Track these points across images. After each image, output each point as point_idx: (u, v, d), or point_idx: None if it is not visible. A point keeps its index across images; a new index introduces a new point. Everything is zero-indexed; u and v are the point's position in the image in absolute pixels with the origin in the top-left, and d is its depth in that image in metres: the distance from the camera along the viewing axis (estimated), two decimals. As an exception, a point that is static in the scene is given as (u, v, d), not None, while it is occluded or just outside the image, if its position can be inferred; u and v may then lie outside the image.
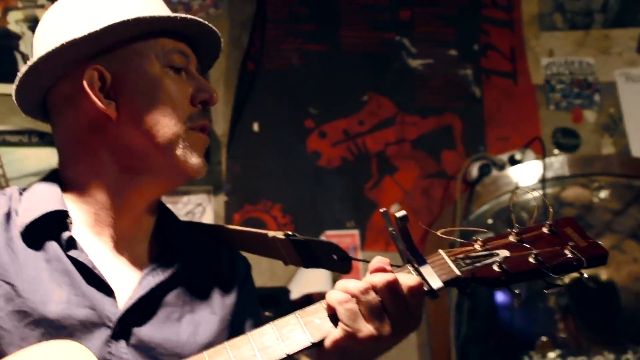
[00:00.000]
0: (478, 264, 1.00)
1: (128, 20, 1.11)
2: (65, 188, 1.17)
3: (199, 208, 2.80)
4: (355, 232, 2.94)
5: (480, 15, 3.18)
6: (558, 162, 2.95)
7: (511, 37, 3.17)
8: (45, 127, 2.53)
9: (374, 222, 2.96)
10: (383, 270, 0.99)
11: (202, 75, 1.22)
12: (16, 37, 2.66)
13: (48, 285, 1.06)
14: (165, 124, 1.13)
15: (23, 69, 1.14)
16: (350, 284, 0.98)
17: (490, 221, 2.88)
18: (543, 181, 2.86)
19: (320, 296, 2.88)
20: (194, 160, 1.15)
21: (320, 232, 2.89)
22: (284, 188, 2.93)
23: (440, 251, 1.02)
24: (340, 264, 1.13)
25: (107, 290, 1.09)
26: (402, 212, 0.97)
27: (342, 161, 3.00)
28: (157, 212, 1.22)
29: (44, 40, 1.16)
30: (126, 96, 1.13)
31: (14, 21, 2.64)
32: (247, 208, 2.89)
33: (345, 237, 2.92)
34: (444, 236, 1.07)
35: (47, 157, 2.62)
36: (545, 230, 1.03)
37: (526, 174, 2.93)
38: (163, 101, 1.13)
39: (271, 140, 2.95)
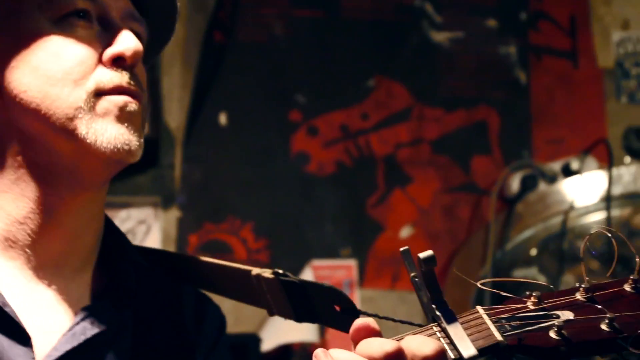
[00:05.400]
0: (529, 328, 0.99)
1: None
2: None
3: (141, 226, 2.77)
4: (352, 263, 2.93)
5: (531, -26, 3.18)
6: (629, 174, 2.90)
7: (571, 2, 3.16)
8: None
9: (377, 249, 2.95)
10: (371, 331, 0.96)
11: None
12: None
13: None
14: (57, 95, 1.10)
15: None
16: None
17: (533, 252, 2.88)
18: (608, 199, 2.83)
19: (302, 348, 2.85)
20: (109, 132, 1.10)
21: (304, 262, 2.88)
22: (258, 202, 2.92)
23: (479, 308, 1.01)
24: (344, 319, 1.12)
25: (20, 337, 1.06)
26: (429, 253, 0.97)
27: (338, 167, 2.99)
28: (102, 232, 1.20)
29: None
30: (4, 70, 1.11)
31: None
32: (208, 227, 2.88)
33: (338, 269, 2.90)
34: (483, 287, 1.05)
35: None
36: (627, 288, 1.02)
37: (585, 190, 2.90)
38: (50, 66, 1.10)
39: (243, 138, 2.93)
